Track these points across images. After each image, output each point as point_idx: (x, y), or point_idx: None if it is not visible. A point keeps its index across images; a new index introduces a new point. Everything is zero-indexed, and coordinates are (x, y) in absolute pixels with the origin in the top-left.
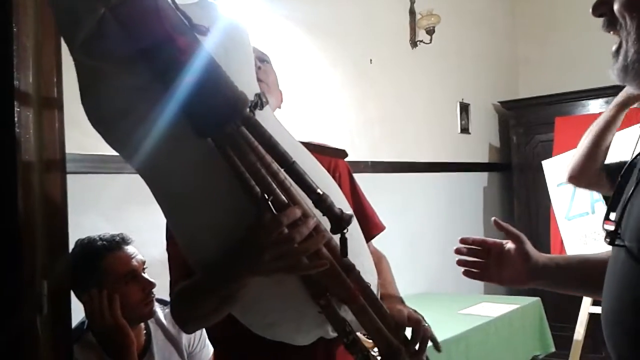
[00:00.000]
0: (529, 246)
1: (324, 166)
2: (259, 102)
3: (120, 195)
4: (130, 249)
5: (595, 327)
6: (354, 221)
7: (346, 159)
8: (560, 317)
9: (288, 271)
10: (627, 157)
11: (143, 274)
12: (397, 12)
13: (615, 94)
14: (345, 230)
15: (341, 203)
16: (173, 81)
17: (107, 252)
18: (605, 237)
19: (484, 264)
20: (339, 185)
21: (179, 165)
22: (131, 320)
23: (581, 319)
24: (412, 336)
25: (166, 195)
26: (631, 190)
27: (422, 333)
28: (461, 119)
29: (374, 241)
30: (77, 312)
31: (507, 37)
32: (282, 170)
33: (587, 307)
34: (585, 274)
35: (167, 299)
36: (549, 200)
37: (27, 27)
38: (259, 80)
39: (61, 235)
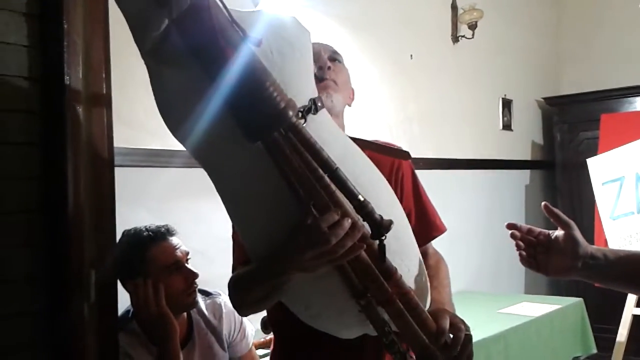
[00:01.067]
0: (578, 233)
1: (386, 167)
2: (313, 107)
3: (165, 189)
4: (174, 240)
5: (638, 329)
6: (405, 224)
7: None
8: (603, 318)
9: (326, 265)
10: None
11: (187, 265)
12: (439, 7)
13: None
14: (383, 237)
15: (391, 206)
16: (224, 89)
17: (153, 242)
18: None
19: (531, 253)
20: (401, 185)
21: (235, 163)
22: (174, 310)
23: (624, 320)
24: (452, 342)
25: (223, 188)
26: None
27: (462, 341)
28: (503, 116)
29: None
30: (123, 301)
31: (550, 32)
32: (324, 177)
33: (630, 308)
34: (635, 269)
35: (209, 289)
36: (594, 199)
37: (77, 25)
38: (328, 79)
39: (109, 228)
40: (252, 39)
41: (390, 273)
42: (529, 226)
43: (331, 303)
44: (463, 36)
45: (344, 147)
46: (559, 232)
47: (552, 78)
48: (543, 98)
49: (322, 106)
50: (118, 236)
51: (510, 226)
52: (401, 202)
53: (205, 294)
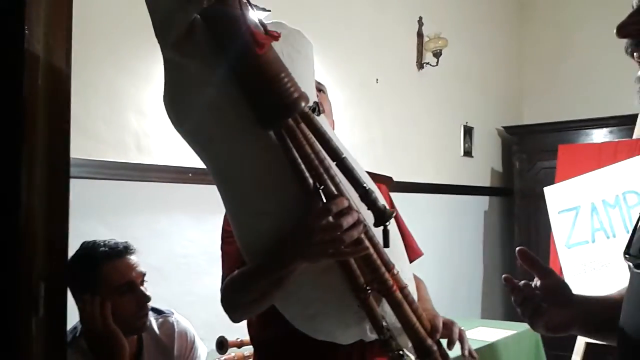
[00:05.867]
0: (563, 281)
1: None
2: (317, 109)
3: (122, 202)
4: (132, 258)
5: (592, 357)
6: (396, 230)
7: None
8: (557, 344)
9: (333, 256)
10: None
11: (141, 287)
12: (405, 33)
13: (618, 125)
14: (388, 223)
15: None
16: (247, 76)
17: (108, 259)
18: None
19: (528, 310)
20: None
21: (243, 154)
22: (123, 331)
23: (578, 347)
24: (449, 337)
25: (229, 180)
26: None
27: (459, 333)
28: (464, 142)
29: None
30: (72, 316)
31: (513, 62)
32: (332, 167)
33: (584, 336)
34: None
35: (162, 308)
36: (550, 227)
37: (37, 31)
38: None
39: (61, 239)
40: (272, 32)
41: (389, 267)
42: (525, 282)
43: (331, 299)
44: (428, 63)
45: (342, 147)
46: (542, 283)
47: (513, 108)
48: (503, 127)
49: (323, 111)
50: (73, 249)
51: (508, 279)
52: None
53: (158, 312)
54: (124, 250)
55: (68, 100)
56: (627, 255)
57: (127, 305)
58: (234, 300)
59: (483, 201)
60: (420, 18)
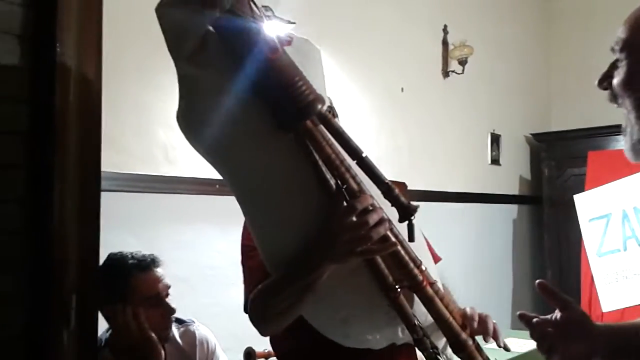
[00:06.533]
0: (583, 313)
1: None
2: (332, 111)
3: (149, 214)
4: (159, 271)
5: None
6: (419, 226)
7: None
8: None
9: (361, 254)
10: None
11: (166, 299)
12: (430, 42)
13: None
14: (413, 217)
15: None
16: (264, 81)
17: (137, 271)
18: None
19: (546, 345)
20: None
21: (262, 162)
22: None
23: None
24: (483, 332)
25: (250, 191)
26: None
27: (493, 325)
28: (492, 150)
29: None
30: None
31: (540, 68)
32: (353, 166)
33: None
34: None
35: (184, 318)
36: (580, 235)
37: (69, 46)
38: None
39: (93, 251)
40: (282, 38)
41: (416, 262)
42: (537, 320)
43: (361, 301)
44: (453, 71)
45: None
46: (562, 315)
47: (540, 114)
48: (531, 134)
49: (337, 115)
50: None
51: (523, 316)
52: None
53: (180, 321)
54: (151, 263)
55: (99, 114)
56: None
57: (154, 316)
58: (262, 313)
59: (512, 210)
60: (445, 26)
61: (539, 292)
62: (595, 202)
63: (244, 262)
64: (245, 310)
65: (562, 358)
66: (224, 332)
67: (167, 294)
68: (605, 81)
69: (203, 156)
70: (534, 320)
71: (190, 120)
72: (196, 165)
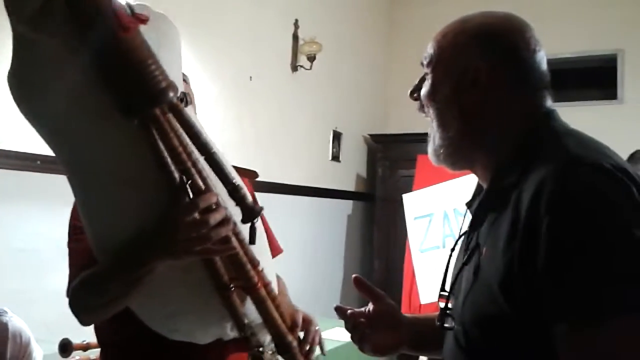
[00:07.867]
0: (393, 305)
1: None
2: (185, 99)
3: None
4: None
5: None
6: (260, 226)
7: None
8: None
9: (199, 254)
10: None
11: None
12: (281, 34)
13: None
14: (255, 220)
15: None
16: (109, 61)
17: None
18: (437, 318)
19: (359, 334)
20: None
21: (102, 143)
22: None
23: None
24: (304, 336)
25: (83, 169)
26: (460, 266)
27: (313, 334)
28: (333, 147)
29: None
30: None
31: (381, 73)
32: (200, 161)
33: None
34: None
35: None
36: (406, 232)
37: None
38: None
39: None
40: (139, 15)
41: (255, 263)
42: (351, 311)
43: (194, 296)
44: (302, 66)
45: (211, 141)
46: (374, 307)
47: (379, 116)
48: (369, 134)
49: (191, 102)
50: None
51: (338, 309)
52: None
53: None
54: None
55: None
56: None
57: None
58: (85, 303)
59: (347, 205)
60: (297, 21)
61: (354, 285)
62: (421, 202)
63: (69, 244)
64: (68, 295)
65: (372, 347)
66: (37, 321)
67: None
68: (415, 92)
69: (32, 123)
70: (348, 312)
71: (21, 83)
72: (13, 137)
